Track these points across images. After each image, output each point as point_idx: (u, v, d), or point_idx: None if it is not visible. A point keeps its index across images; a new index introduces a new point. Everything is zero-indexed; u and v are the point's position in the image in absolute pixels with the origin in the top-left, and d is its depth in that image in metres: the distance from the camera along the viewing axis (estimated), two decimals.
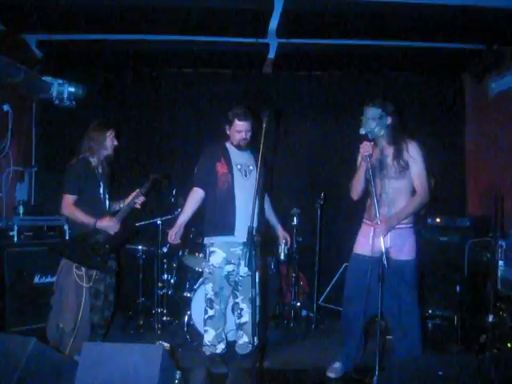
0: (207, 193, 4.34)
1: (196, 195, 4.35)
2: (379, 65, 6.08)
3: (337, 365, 4.14)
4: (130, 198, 4.43)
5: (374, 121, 3.91)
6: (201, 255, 5.14)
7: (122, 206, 4.45)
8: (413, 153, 3.94)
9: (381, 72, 6.24)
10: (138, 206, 4.44)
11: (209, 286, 4.35)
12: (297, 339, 5.14)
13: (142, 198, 4.42)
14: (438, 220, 5.44)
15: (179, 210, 5.20)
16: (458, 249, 5.10)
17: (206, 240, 4.40)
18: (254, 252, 3.45)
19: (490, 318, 4.31)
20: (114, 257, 4.42)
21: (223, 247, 4.29)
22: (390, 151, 4.01)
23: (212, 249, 4.32)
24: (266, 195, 4.64)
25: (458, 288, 4.91)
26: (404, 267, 3.97)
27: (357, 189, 4.09)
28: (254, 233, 3.45)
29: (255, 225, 3.51)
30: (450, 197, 6.17)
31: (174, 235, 4.34)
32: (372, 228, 3.97)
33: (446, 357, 3.90)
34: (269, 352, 4.55)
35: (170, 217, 5.32)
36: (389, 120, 3.97)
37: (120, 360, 3.11)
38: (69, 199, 4.16)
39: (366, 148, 3.87)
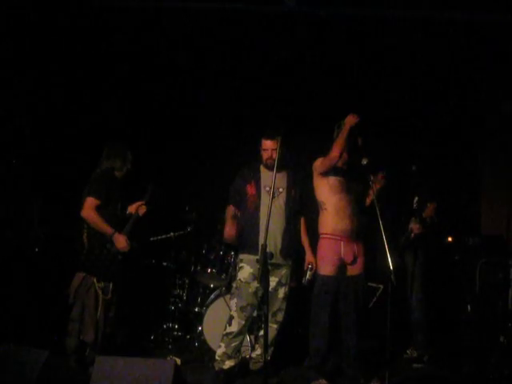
0: (240, 211, 4.57)
1: (230, 211, 4.59)
2: None
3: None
4: (133, 207, 4.46)
5: None
6: (213, 271, 5.17)
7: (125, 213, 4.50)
8: None
9: None
10: (140, 215, 4.46)
11: (233, 302, 4.41)
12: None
13: (143, 208, 4.46)
14: (449, 239, 5.43)
15: (192, 225, 5.32)
16: (469, 268, 5.09)
17: (239, 255, 4.56)
18: (267, 269, 3.49)
19: (501, 339, 4.30)
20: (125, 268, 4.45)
21: (251, 263, 4.37)
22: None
23: (241, 264, 4.45)
24: (301, 218, 4.66)
25: (468, 307, 4.90)
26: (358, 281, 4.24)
27: (344, 147, 4.21)
28: (267, 250, 3.48)
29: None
30: (463, 216, 6.15)
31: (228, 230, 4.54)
32: (339, 242, 4.22)
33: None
34: (280, 369, 4.52)
35: (182, 232, 5.37)
36: None
37: (132, 374, 3.15)
38: (92, 202, 4.12)
39: (353, 120, 4.15)
